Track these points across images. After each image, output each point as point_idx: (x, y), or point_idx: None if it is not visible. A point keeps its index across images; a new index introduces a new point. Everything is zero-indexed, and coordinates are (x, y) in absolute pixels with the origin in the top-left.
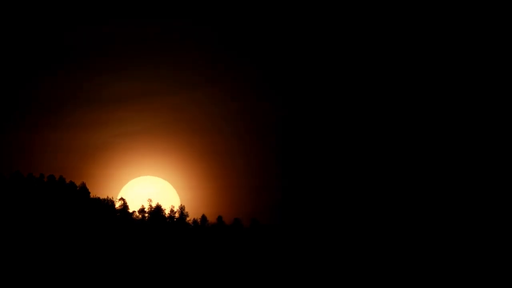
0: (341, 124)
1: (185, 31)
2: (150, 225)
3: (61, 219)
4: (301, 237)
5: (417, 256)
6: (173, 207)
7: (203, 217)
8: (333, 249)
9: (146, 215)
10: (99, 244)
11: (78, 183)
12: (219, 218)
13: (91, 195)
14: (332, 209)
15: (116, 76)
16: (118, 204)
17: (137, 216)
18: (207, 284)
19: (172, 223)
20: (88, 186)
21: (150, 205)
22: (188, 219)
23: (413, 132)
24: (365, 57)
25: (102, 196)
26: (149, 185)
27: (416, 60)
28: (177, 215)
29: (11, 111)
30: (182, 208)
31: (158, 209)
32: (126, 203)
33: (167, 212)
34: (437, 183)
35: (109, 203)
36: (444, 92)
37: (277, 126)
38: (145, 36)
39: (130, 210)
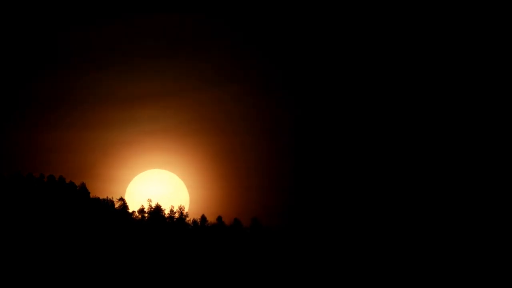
0: (356, 128)
1: (211, 28)
2: (149, 225)
3: (61, 219)
4: (303, 239)
5: (422, 259)
6: (173, 207)
7: (203, 217)
8: (335, 253)
9: (146, 215)
10: (98, 244)
11: (78, 182)
12: (219, 218)
13: (96, 193)
14: (339, 213)
15: (124, 74)
16: (117, 204)
17: (137, 216)
18: (206, 285)
19: (172, 223)
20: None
21: (150, 205)
22: (188, 219)
23: (431, 135)
24: (383, 59)
25: (105, 194)
26: (159, 178)
27: (431, 59)
28: (176, 215)
29: (11, 111)
30: (181, 209)
31: (157, 209)
32: (125, 203)
33: (166, 212)
34: (445, 185)
35: (109, 203)
36: (452, 92)
37: (295, 127)
38: (164, 32)
39: (130, 210)
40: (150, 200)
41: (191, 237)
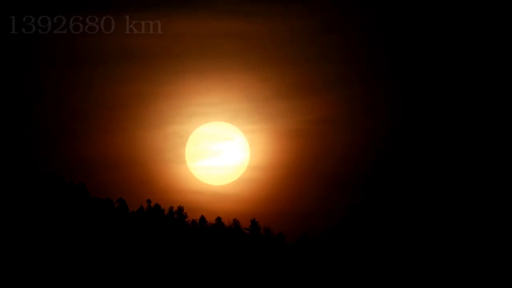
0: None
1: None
2: (148, 225)
3: (60, 219)
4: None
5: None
6: (173, 207)
7: (202, 218)
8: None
9: (145, 215)
10: (96, 244)
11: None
12: (218, 219)
13: (95, 192)
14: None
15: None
16: (116, 205)
17: (136, 216)
18: (204, 285)
19: (171, 223)
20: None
21: (149, 205)
22: (187, 219)
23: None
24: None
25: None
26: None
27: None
28: (175, 215)
29: (11, 109)
30: (181, 209)
31: (156, 210)
32: (125, 203)
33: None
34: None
35: (108, 203)
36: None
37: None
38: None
39: (128, 210)
40: (150, 201)
41: (190, 237)
